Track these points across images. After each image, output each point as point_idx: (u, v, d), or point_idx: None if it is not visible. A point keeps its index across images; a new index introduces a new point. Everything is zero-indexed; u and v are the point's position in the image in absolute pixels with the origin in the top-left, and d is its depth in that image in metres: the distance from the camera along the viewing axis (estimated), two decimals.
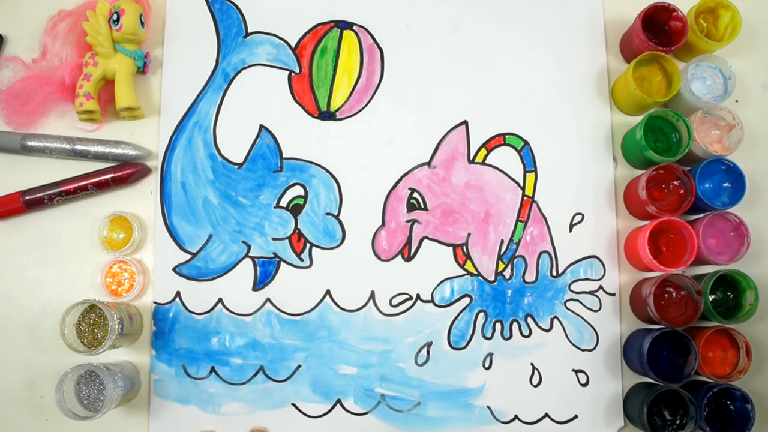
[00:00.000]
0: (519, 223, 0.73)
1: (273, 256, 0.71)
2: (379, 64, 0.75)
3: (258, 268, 0.71)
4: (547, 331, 0.71)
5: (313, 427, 0.69)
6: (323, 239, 0.72)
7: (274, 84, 0.74)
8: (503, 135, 0.74)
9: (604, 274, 0.72)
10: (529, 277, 0.72)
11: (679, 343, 0.67)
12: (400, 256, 0.72)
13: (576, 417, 0.70)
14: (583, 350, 0.71)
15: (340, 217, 0.72)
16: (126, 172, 0.70)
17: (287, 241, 0.71)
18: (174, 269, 0.70)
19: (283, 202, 0.72)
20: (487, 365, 0.71)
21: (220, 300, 0.70)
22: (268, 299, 0.70)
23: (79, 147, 0.70)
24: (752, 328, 0.70)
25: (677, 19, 0.72)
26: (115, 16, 0.70)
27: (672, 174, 0.70)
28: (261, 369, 0.69)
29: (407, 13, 0.76)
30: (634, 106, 0.74)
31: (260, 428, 0.68)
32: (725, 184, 0.70)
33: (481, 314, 0.71)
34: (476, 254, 0.72)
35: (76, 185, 0.70)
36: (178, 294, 0.70)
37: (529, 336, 0.71)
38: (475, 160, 0.74)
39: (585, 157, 0.74)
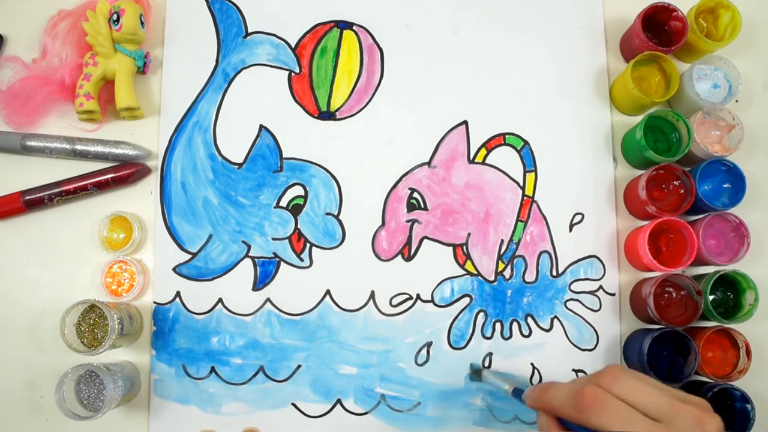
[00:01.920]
0: (519, 223, 0.73)
1: (273, 256, 0.71)
2: (379, 64, 0.75)
3: (258, 268, 0.71)
4: (547, 330, 0.71)
5: (313, 427, 0.69)
6: (323, 239, 0.72)
7: (274, 84, 0.74)
8: (503, 135, 0.74)
9: (604, 274, 0.72)
10: (529, 277, 0.72)
11: (679, 343, 0.67)
12: (400, 256, 0.72)
13: None
14: (583, 350, 0.71)
15: (340, 217, 0.72)
16: (126, 172, 0.70)
17: (287, 241, 0.71)
18: (174, 269, 0.70)
19: (283, 202, 0.72)
20: (487, 365, 0.71)
21: (220, 300, 0.70)
22: (268, 299, 0.70)
23: (79, 147, 0.70)
24: (752, 328, 0.70)
25: (677, 19, 0.72)
26: (115, 16, 0.70)
27: (672, 174, 0.70)
28: (261, 369, 0.69)
29: (407, 13, 0.76)
30: (633, 106, 0.74)
31: (252, 429, 0.68)
32: (725, 185, 0.70)
33: (481, 314, 0.71)
34: (476, 254, 0.72)
35: (76, 185, 0.70)
36: (178, 294, 0.70)
37: (529, 336, 0.71)
38: (475, 160, 0.74)
39: (585, 157, 0.74)
